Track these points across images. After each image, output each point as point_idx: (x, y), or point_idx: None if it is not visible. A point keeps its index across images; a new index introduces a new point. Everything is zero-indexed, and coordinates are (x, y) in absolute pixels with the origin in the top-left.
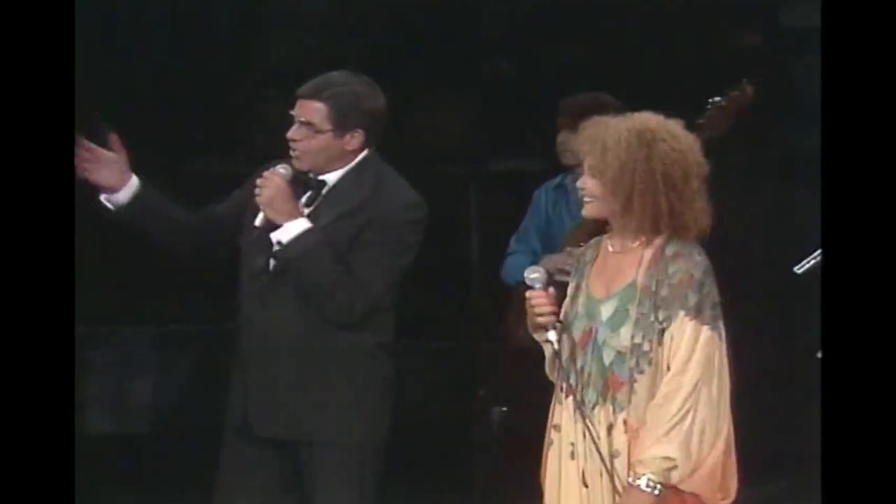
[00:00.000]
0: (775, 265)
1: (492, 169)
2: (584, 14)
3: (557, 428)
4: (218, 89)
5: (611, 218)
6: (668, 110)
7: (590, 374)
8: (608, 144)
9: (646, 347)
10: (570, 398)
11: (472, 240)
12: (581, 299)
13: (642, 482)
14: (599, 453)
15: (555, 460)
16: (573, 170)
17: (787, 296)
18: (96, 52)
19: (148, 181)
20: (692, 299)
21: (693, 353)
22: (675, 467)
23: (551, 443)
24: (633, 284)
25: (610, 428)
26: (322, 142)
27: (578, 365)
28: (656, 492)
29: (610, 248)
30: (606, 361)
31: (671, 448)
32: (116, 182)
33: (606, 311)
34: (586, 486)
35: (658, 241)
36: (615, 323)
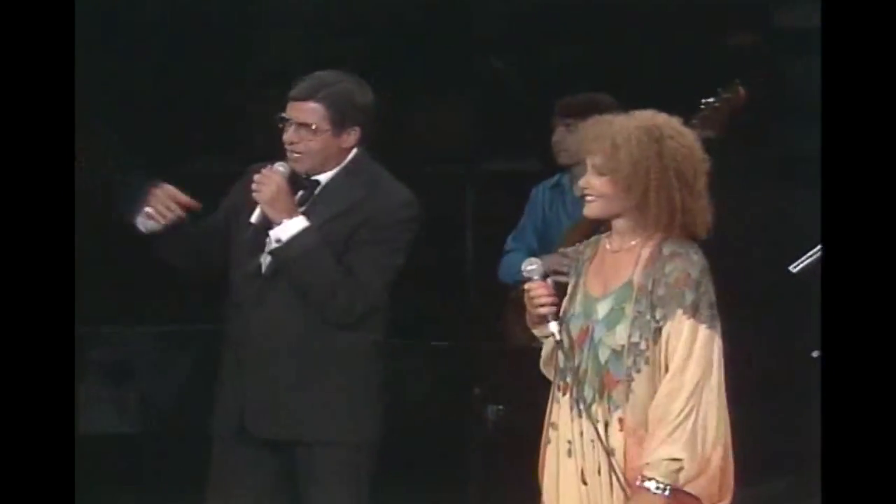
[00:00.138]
0: (775, 265)
1: (489, 169)
2: (582, 14)
3: (555, 426)
4: (217, 89)
5: (616, 216)
6: (665, 111)
7: (586, 372)
8: (618, 142)
9: (643, 346)
10: (567, 396)
11: (468, 239)
12: (578, 297)
13: (651, 485)
14: (604, 448)
15: (552, 458)
16: (570, 169)
17: (786, 296)
18: (96, 52)
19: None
20: (689, 298)
21: (692, 351)
22: (682, 468)
23: (549, 441)
24: (629, 283)
25: (606, 426)
26: (321, 142)
27: (575, 363)
28: (666, 493)
29: (608, 247)
30: (602, 359)
31: (677, 448)
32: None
33: (603, 309)
34: (585, 483)
35: (655, 240)
36: (611, 321)
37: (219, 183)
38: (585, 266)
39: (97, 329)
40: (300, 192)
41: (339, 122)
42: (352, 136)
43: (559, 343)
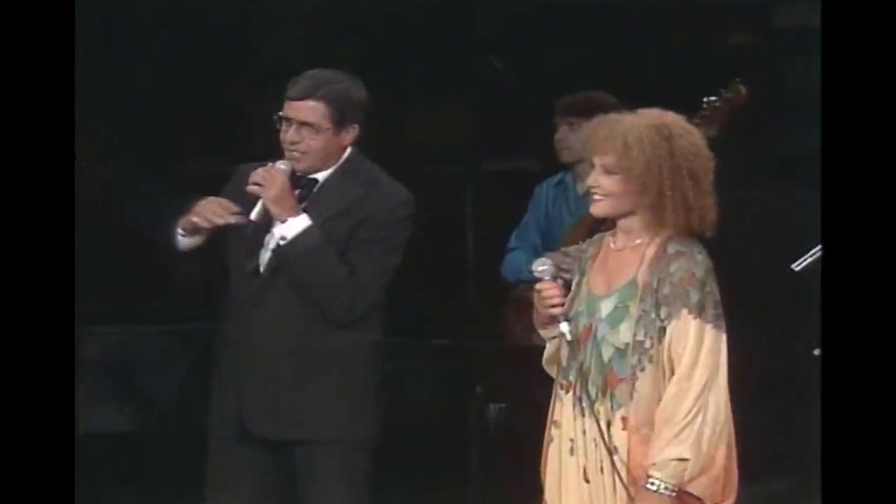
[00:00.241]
0: (774, 265)
1: (489, 168)
2: (582, 14)
3: (557, 424)
4: (217, 89)
5: (624, 215)
6: (665, 110)
7: (589, 370)
8: (629, 141)
9: (647, 344)
10: (570, 394)
11: (469, 238)
12: (581, 296)
13: (659, 486)
14: (606, 447)
15: (555, 456)
16: (573, 167)
17: (786, 295)
18: (96, 52)
19: None
20: (694, 297)
21: (699, 352)
22: (687, 468)
23: (551, 439)
24: (633, 282)
25: (608, 424)
26: (322, 141)
27: (579, 361)
28: (673, 493)
29: (612, 246)
30: (605, 358)
31: (685, 449)
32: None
33: (606, 307)
34: (587, 481)
35: (660, 238)
36: (614, 319)
37: (218, 183)
38: (588, 264)
39: (97, 329)
40: (297, 191)
41: (340, 120)
42: (350, 133)
43: (570, 343)
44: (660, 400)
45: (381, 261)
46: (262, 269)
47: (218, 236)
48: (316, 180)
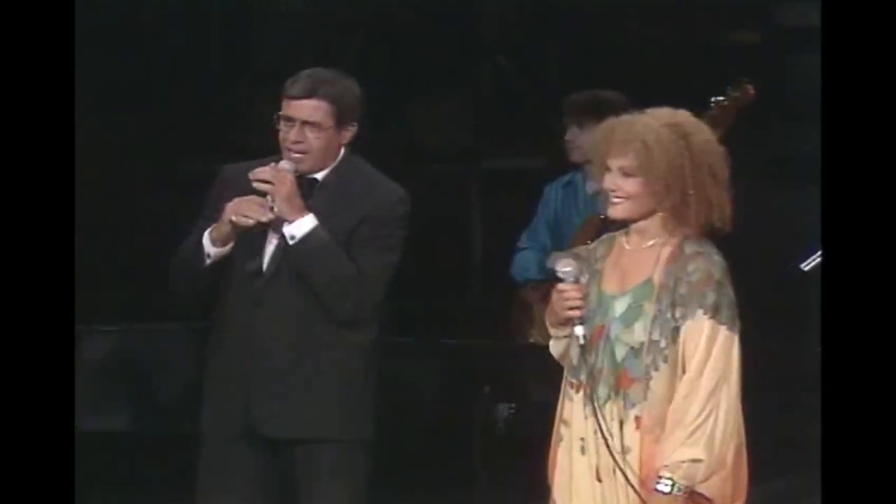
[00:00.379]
0: (774, 265)
1: (497, 167)
2: (586, 13)
3: (567, 423)
4: (217, 89)
5: (643, 217)
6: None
7: (601, 370)
8: (649, 143)
9: (662, 344)
10: (581, 394)
11: (475, 237)
12: (593, 296)
13: (672, 487)
14: (609, 450)
15: (565, 456)
16: (582, 167)
17: (786, 296)
18: (96, 52)
19: None
20: (710, 298)
21: (711, 352)
22: (700, 470)
23: (561, 438)
24: (649, 281)
25: (621, 424)
26: (324, 140)
27: (590, 361)
28: (683, 494)
29: (626, 246)
30: (619, 357)
31: (698, 450)
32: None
33: (620, 306)
34: (599, 481)
35: (676, 239)
36: (628, 319)
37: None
38: (599, 265)
39: (97, 329)
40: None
41: (341, 118)
42: (349, 132)
43: (582, 347)
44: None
45: (384, 259)
46: (264, 268)
47: None
48: (315, 180)
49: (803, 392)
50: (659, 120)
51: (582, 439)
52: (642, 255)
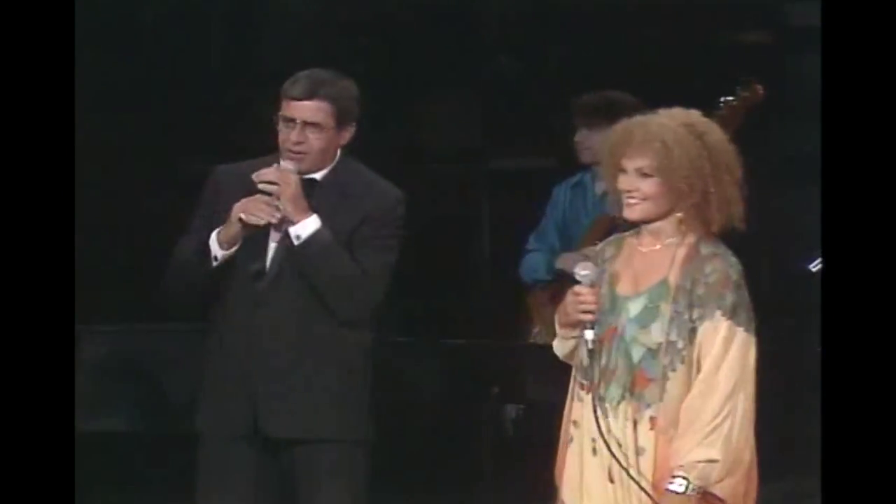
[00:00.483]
0: (774, 265)
1: (505, 167)
2: (593, 13)
3: (576, 424)
4: (217, 89)
5: (660, 218)
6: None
7: (614, 371)
8: (668, 143)
9: (680, 345)
10: (591, 395)
11: (484, 238)
12: (604, 297)
13: (686, 487)
14: (611, 452)
15: (575, 457)
16: (591, 168)
17: (786, 295)
18: (96, 52)
19: None
20: (729, 299)
21: (727, 353)
22: (716, 470)
23: (571, 439)
24: (664, 282)
25: (635, 424)
26: (325, 140)
27: (602, 362)
28: (696, 494)
29: (638, 247)
30: (635, 358)
31: (714, 451)
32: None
33: (635, 307)
34: (612, 481)
35: (690, 239)
36: (645, 320)
37: None
38: (608, 266)
39: (97, 329)
40: None
41: (342, 119)
42: (348, 132)
43: (591, 352)
44: None
45: (383, 259)
46: (267, 269)
47: None
48: (314, 180)
49: (804, 392)
50: (675, 120)
51: (594, 440)
52: (656, 256)
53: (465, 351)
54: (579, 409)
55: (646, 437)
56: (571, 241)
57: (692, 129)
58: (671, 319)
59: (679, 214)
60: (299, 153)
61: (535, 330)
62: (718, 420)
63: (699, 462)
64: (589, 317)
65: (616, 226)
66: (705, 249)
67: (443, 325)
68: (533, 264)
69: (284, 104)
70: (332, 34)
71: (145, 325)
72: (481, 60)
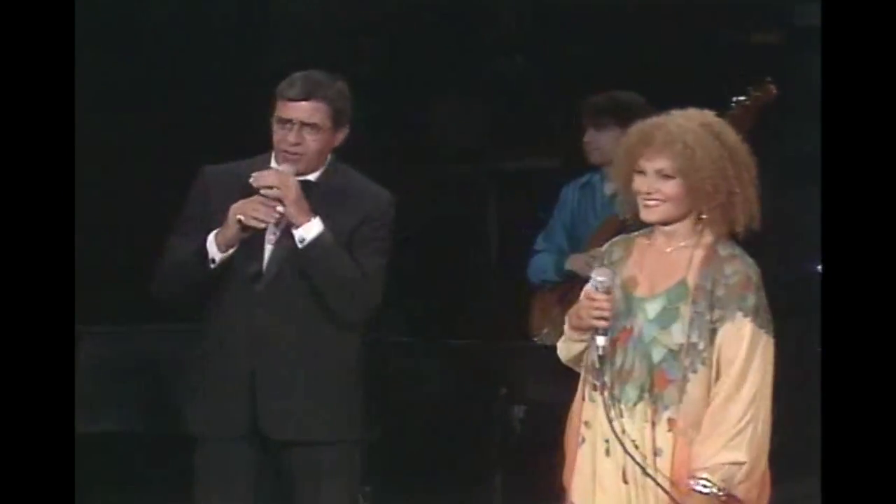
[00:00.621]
0: (774, 265)
1: (511, 168)
2: (595, 13)
3: (588, 425)
4: (217, 89)
5: (679, 219)
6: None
7: (630, 372)
8: (690, 144)
9: (701, 346)
10: (604, 396)
11: (491, 238)
12: (616, 298)
13: (711, 489)
14: (627, 452)
15: (587, 458)
16: (600, 168)
17: (786, 296)
18: (96, 52)
19: None
20: (751, 301)
21: (753, 356)
22: (741, 472)
23: (582, 440)
24: (683, 283)
25: (653, 425)
26: (321, 142)
27: (616, 363)
28: (721, 496)
29: (652, 248)
30: (656, 359)
31: (740, 454)
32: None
33: (653, 309)
34: (626, 482)
35: (707, 241)
36: (665, 321)
37: None
38: (618, 267)
39: (97, 329)
40: None
41: (338, 120)
42: (342, 134)
43: (601, 358)
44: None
45: (380, 260)
46: (264, 270)
47: None
48: (309, 181)
49: (804, 393)
50: (692, 120)
51: (607, 441)
52: (671, 257)
53: (472, 351)
54: (591, 410)
55: (664, 438)
56: (579, 242)
57: (710, 130)
58: (691, 321)
59: (703, 216)
60: (296, 154)
61: (545, 331)
62: (743, 423)
63: (724, 464)
64: (603, 323)
65: (626, 226)
66: (724, 251)
67: (449, 326)
68: (541, 265)
69: (280, 105)
70: (333, 35)
71: (145, 325)
72: (493, 61)
